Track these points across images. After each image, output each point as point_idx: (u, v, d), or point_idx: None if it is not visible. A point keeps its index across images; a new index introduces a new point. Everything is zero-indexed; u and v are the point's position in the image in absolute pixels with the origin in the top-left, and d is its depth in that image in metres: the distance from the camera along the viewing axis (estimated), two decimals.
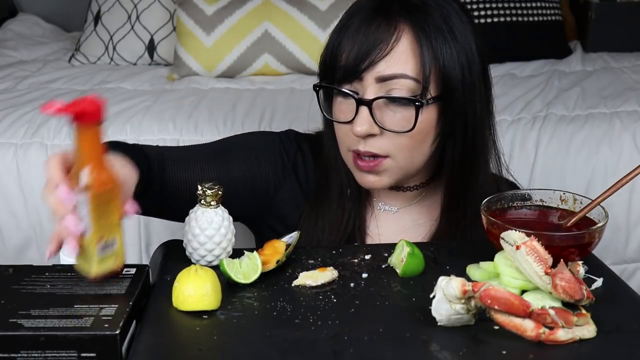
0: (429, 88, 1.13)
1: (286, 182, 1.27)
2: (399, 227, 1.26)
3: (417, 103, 1.12)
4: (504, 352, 0.84)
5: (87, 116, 0.88)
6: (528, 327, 0.85)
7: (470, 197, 1.20)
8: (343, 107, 1.17)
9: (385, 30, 1.13)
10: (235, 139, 1.34)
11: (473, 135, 1.19)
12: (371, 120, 1.13)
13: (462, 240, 1.21)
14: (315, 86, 1.21)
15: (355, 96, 1.14)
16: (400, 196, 1.27)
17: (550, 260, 0.91)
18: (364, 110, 1.13)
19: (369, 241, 1.26)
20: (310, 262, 1.06)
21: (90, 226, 0.91)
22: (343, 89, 1.15)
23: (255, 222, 1.33)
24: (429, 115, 1.14)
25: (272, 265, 1.02)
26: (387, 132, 1.14)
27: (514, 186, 1.32)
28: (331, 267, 1.03)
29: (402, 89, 1.12)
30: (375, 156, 1.16)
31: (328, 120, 1.23)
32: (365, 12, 1.15)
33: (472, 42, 1.16)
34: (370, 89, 1.13)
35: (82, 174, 0.90)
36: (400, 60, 1.12)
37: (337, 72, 1.16)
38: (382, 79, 1.13)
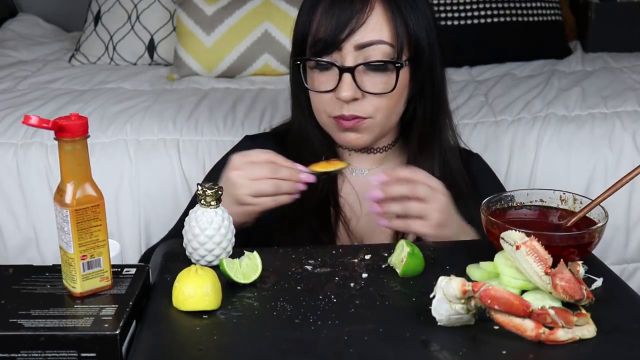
0: (403, 51, 1.25)
1: None
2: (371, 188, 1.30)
3: (397, 65, 1.24)
4: (504, 352, 0.84)
5: (68, 132, 0.89)
6: (528, 327, 0.85)
7: (437, 154, 1.33)
8: (323, 79, 1.26)
9: (359, 2, 1.24)
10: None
11: (439, 94, 1.32)
12: (355, 86, 1.23)
13: (462, 241, 1.21)
14: (296, 60, 1.30)
15: (337, 64, 1.23)
16: (370, 158, 1.37)
17: (550, 260, 0.91)
18: (347, 77, 1.23)
19: (342, 202, 1.34)
20: (310, 262, 1.06)
21: (73, 243, 0.91)
22: (324, 60, 1.24)
23: None
24: (404, 76, 1.26)
25: (324, 167, 1.20)
26: (368, 95, 1.25)
27: (469, 153, 1.44)
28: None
29: (379, 54, 1.23)
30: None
31: (298, 93, 1.33)
32: None
33: (429, 12, 1.30)
34: (349, 57, 1.24)
35: (66, 190, 0.91)
36: (375, 29, 1.23)
37: (316, 45, 1.25)
38: (360, 47, 1.23)
